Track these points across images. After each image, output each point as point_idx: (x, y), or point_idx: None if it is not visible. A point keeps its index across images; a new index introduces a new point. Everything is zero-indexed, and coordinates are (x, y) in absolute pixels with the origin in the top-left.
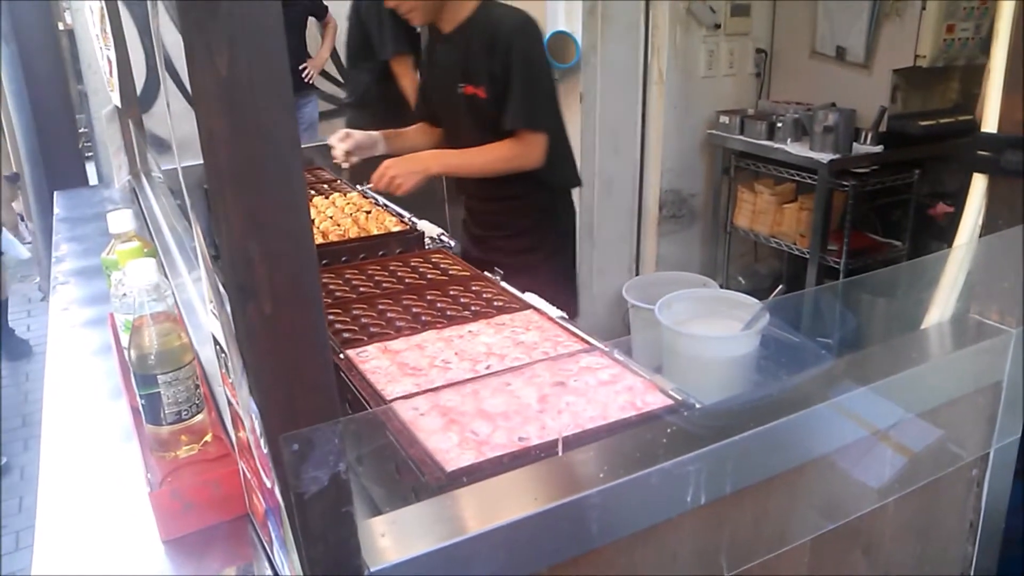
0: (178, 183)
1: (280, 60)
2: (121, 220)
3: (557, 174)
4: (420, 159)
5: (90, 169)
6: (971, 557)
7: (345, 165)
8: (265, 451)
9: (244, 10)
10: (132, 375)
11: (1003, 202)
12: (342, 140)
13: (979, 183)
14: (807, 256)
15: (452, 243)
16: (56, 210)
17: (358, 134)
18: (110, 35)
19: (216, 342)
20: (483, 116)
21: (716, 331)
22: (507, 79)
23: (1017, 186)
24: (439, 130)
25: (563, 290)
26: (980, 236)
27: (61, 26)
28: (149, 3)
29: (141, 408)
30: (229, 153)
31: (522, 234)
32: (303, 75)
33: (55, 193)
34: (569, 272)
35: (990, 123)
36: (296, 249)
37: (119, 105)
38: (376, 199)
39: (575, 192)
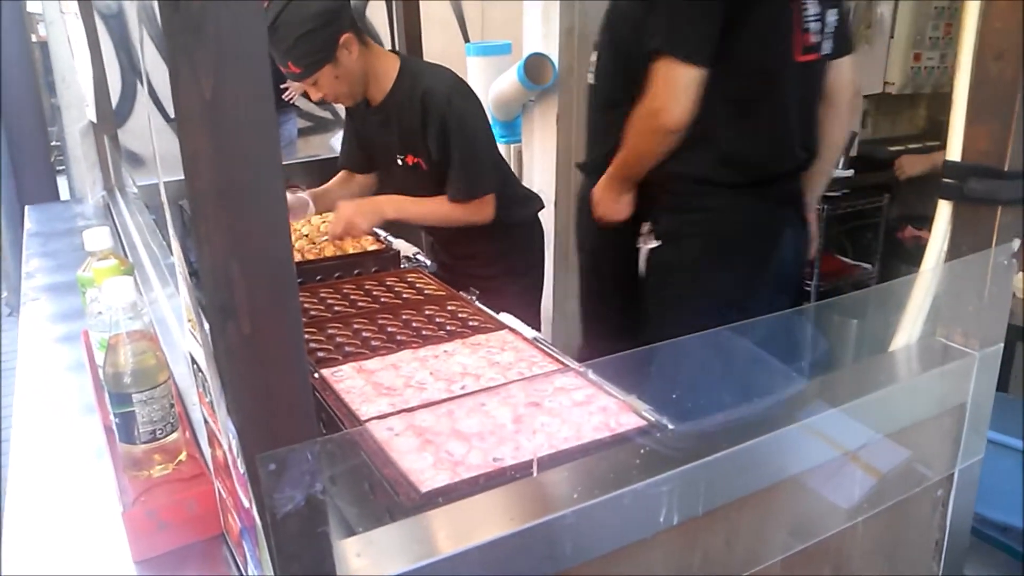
0: (153, 199)
1: (264, 83)
2: (98, 238)
3: (512, 214)
4: (376, 203)
5: (62, 183)
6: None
7: None
8: (242, 470)
9: (229, 34)
10: (106, 393)
11: (967, 228)
12: None
13: (945, 209)
14: None
15: (428, 262)
16: (27, 224)
17: (288, 197)
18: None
19: (193, 361)
20: (426, 183)
21: None
22: (446, 152)
23: (980, 213)
24: (366, 177)
25: (529, 309)
26: (945, 261)
27: (34, 38)
28: (134, 25)
29: (115, 427)
30: (212, 175)
31: (491, 262)
32: (283, 95)
33: (26, 207)
34: (536, 291)
35: (954, 151)
36: (277, 270)
37: (94, 120)
38: None
39: (549, 212)
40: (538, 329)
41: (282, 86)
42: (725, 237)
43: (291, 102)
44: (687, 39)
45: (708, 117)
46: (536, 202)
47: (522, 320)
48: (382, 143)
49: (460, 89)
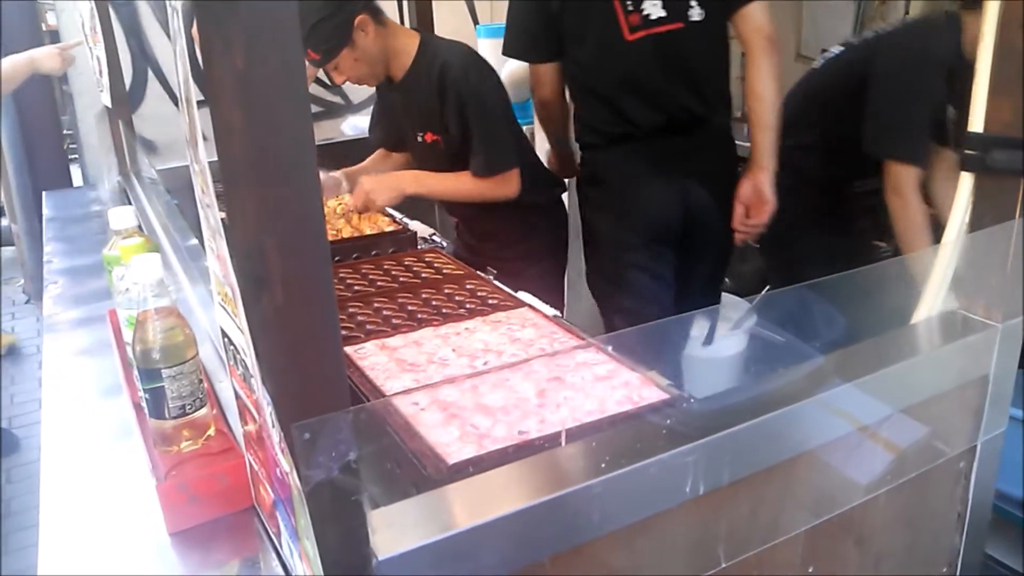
0: (173, 183)
1: (296, 54)
2: (123, 216)
3: (533, 195)
4: (397, 177)
5: (75, 171)
6: (959, 547)
7: None
8: (278, 439)
9: (262, 4)
10: (135, 370)
11: (989, 200)
12: None
13: (966, 181)
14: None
15: (444, 243)
16: (45, 211)
17: (320, 175)
18: (100, 34)
19: (224, 334)
20: (444, 161)
21: (705, 331)
22: (465, 128)
23: (1002, 184)
24: (403, 155)
25: (551, 292)
26: (967, 233)
27: (44, 27)
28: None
29: (144, 403)
30: (244, 146)
31: (511, 243)
32: None
33: (44, 193)
34: (559, 274)
35: (976, 123)
36: (309, 240)
37: (109, 105)
38: None
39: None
40: (561, 310)
41: None
42: (596, 188)
43: None
44: (519, 45)
45: (573, 93)
46: (558, 184)
47: (543, 303)
48: (403, 120)
49: (478, 65)
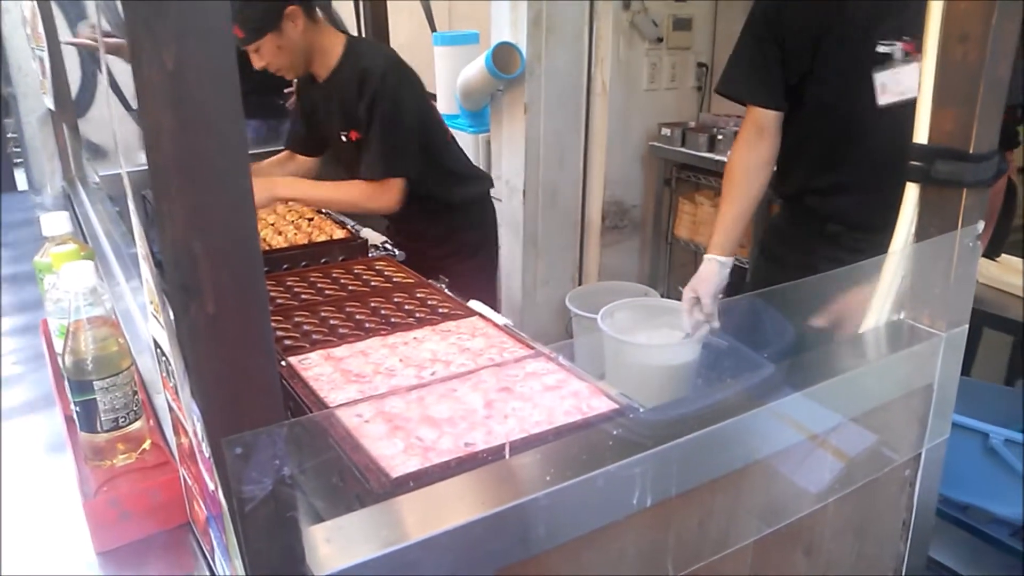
0: (116, 189)
1: (228, 54)
2: (56, 222)
3: (460, 192)
4: (271, 182)
5: (20, 176)
6: (903, 554)
7: None
8: (208, 455)
9: (192, 3)
10: (66, 382)
11: (934, 210)
12: None
13: (912, 192)
14: (747, 266)
15: (396, 251)
16: None
17: None
18: (43, 35)
19: (157, 345)
20: None
21: (658, 339)
22: (369, 128)
23: (946, 194)
24: (306, 159)
25: (484, 287)
26: (913, 243)
27: None
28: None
29: (75, 416)
30: (174, 148)
31: (441, 242)
32: (287, 103)
33: None
34: (491, 270)
35: (921, 134)
36: (241, 248)
37: (52, 108)
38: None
39: (518, 200)
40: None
41: (286, 91)
42: None
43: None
44: None
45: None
46: (486, 181)
47: (480, 300)
48: (327, 120)
49: (398, 69)
